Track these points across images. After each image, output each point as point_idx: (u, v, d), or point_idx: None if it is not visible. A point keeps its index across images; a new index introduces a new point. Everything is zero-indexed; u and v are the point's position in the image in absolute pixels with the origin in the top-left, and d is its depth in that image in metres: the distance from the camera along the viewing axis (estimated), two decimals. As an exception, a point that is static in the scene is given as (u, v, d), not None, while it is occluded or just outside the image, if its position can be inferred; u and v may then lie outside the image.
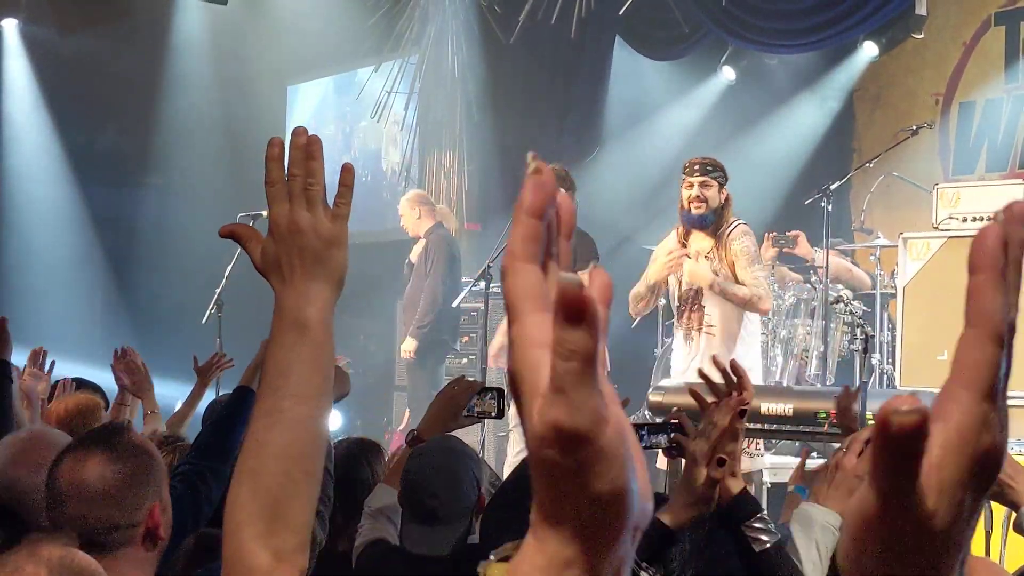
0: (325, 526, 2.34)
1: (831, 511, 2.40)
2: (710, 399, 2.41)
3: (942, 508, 0.67)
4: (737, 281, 6.00)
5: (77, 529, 2.15)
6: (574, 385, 0.65)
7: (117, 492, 2.17)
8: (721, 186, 6.06)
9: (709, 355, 5.92)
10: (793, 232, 7.58)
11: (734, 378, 2.40)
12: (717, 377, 2.43)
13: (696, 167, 6.05)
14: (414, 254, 8.20)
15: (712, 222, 6.05)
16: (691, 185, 6.03)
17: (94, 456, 2.20)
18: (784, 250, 8.04)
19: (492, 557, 0.73)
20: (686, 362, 6.10)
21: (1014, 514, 2.28)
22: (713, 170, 6.05)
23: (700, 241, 6.09)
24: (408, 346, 7.96)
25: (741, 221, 6.13)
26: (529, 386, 0.67)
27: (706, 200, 6.00)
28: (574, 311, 0.65)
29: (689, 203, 6.04)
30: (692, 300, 6.10)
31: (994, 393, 0.69)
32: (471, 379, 3.49)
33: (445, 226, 8.39)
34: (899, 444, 0.66)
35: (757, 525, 2.34)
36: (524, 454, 5.17)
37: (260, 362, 2.28)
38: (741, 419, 2.35)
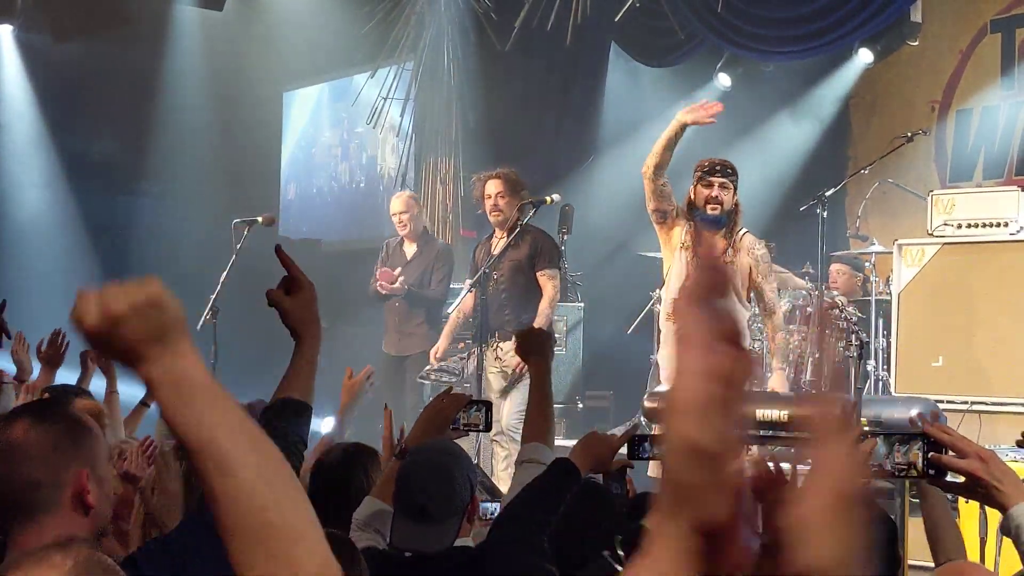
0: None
1: None
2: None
3: (829, 546, 0.72)
4: (752, 282, 6.03)
5: (2, 489, 2.21)
6: (717, 409, 0.73)
7: (40, 451, 2.24)
8: (735, 191, 6.05)
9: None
10: None
11: None
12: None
13: (717, 168, 6.03)
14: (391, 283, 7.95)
15: (725, 225, 6.03)
16: (710, 185, 6.00)
17: (21, 420, 2.29)
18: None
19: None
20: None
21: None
22: (732, 173, 6.04)
23: (710, 240, 6.06)
24: (443, 346, 7.66)
25: (747, 230, 6.13)
26: (678, 405, 0.75)
27: (722, 203, 5.99)
28: (735, 336, 0.76)
29: (705, 203, 6.00)
30: None
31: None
32: (459, 392, 3.50)
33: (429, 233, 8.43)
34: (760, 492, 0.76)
35: None
36: (509, 462, 5.17)
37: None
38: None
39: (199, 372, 1.28)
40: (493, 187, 6.97)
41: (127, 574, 1.73)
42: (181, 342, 1.29)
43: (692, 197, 6.09)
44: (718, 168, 6.02)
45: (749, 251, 6.03)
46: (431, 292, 7.95)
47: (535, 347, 3.40)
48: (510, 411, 6.81)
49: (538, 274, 6.93)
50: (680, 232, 6.13)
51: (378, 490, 3.19)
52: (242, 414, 1.29)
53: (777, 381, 5.95)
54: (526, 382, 6.85)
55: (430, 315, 7.96)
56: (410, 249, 8.06)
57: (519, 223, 6.90)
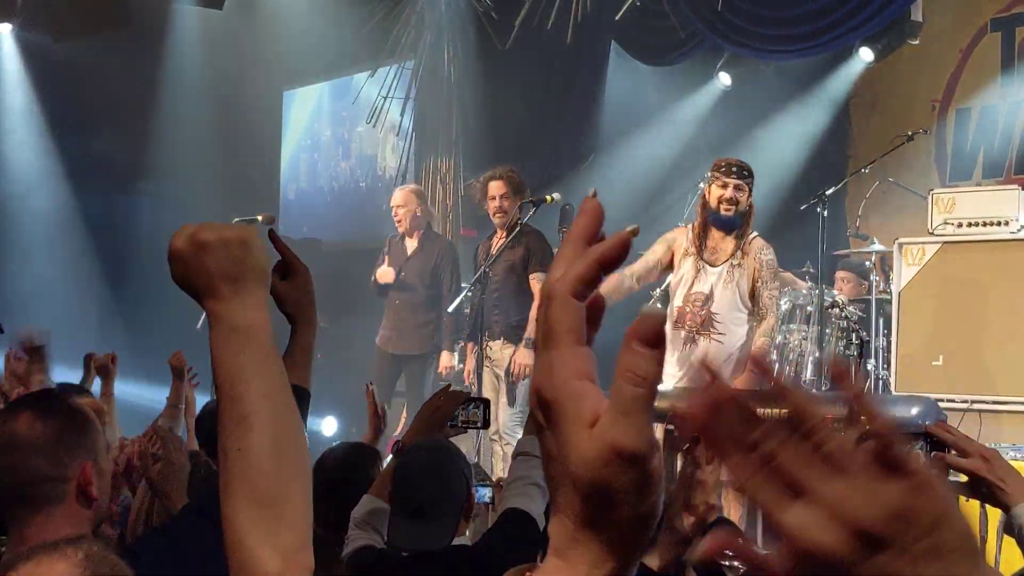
0: None
1: None
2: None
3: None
4: (753, 293, 5.99)
5: (8, 482, 2.22)
6: (639, 410, 0.71)
7: (46, 444, 2.26)
8: (750, 192, 6.01)
9: (718, 361, 5.92)
10: None
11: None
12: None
13: (734, 169, 5.95)
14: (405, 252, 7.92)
15: (738, 227, 6.00)
16: (725, 185, 5.94)
17: (25, 413, 2.30)
18: None
19: None
20: (686, 366, 6.04)
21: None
22: (748, 175, 5.99)
23: (720, 242, 6.04)
24: (449, 361, 7.72)
25: (757, 234, 6.10)
26: (571, 414, 0.72)
27: (737, 204, 5.95)
28: (655, 338, 0.71)
29: (719, 203, 5.94)
30: (702, 303, 6.03)
31: None
32: (456, 389, 3.50)
33: (434, 229, 8.33)
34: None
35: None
36: (508, 463, 5.15)
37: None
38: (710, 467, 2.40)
39: (261, 326, 1.31)
40: (497, 188, 6.97)
41: (127, 565, 1.73)
42: (255, 290, 1.32)
43: (707, 196, 6.03)
44: (735, 169, 5.95)
45: (757, 255, 5.99)
46: (446, 295, 7.77)
47: None
48: (508, 412, 6.81)
49: (530, 276, 6.93)
50: (683, 241, 6.13)
51: (376, 488, 3.18)
52: (283, 382, 1.31)
53: (742, 380, 5.90)
54: (524, 385, 6.92)
55: (437, 317, 7.85)
56: (411, 244, 7.97)
57: (519, 223, 6.90)
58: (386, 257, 8.07)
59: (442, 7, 9.77)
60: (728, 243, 6.02)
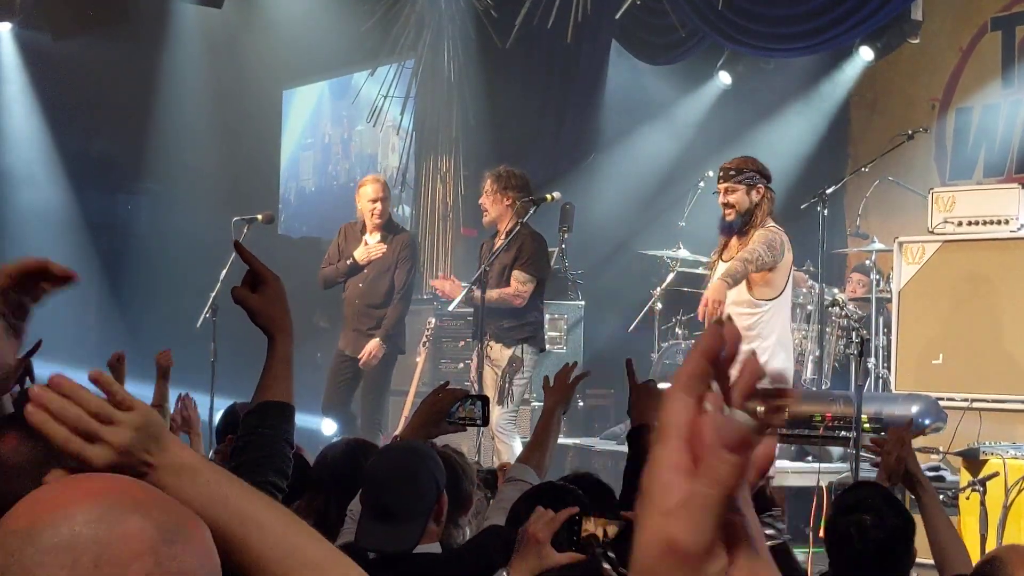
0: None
1: None
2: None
3: None
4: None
5: None
6: (704, 509, 0.71)
7: (31, 467, 2.20)
8: (751, 187, 6.01)
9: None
10: None
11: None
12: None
13: (721, 173, 6.06)
14: (366, 252, 7.53)
15: (740, 227, 6.02)
16: (720, 192, 6.08)
17: (9, 434, 2.24)
18: None
19: None
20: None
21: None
22: (736, 174, 6.01)
23: (736, 242, 6.11)
24: (375, 348, 7.41)
25: (775, 225, 6.08)
26: (655, 501, 0.73)
27: (734, 205, 6.00)
28: (737, 445, 0.72)
29: (723, 209, 6.07)
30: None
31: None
32: (455, 387, 3.50)
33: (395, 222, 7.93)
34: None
35: (766, 520, 2.37)
36: (498, 459, 5.23)
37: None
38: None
39: (195, 457, 1.31)
40: (484, 186, 7.10)
41: None
42: (169, 436, 1.31)
43: None
44: (721, 173, 6.06)
45: (753, 241, 6.01)
46: (400, 293, 7.53)
47: (558, 390, 3.59)
48: (500, 411, 6.81)
49: (512, 273, 6.88)
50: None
51: None
52: (242, 483, 1.31)
53: (713, 289, 5.91)
54: (520, 384, 6.94)
55: (389, 317, 7.54)
56: (373, 237, 7.62)
57: (519, 223, 6.89)
58: (340, 248, 7.69)
59: (442, 6, 9.76)
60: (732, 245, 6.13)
